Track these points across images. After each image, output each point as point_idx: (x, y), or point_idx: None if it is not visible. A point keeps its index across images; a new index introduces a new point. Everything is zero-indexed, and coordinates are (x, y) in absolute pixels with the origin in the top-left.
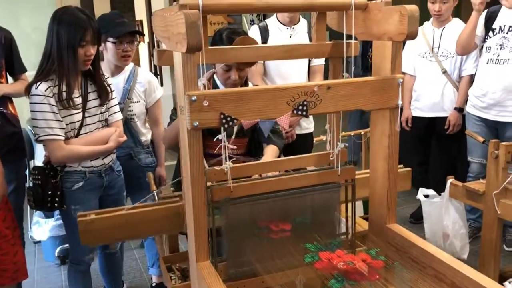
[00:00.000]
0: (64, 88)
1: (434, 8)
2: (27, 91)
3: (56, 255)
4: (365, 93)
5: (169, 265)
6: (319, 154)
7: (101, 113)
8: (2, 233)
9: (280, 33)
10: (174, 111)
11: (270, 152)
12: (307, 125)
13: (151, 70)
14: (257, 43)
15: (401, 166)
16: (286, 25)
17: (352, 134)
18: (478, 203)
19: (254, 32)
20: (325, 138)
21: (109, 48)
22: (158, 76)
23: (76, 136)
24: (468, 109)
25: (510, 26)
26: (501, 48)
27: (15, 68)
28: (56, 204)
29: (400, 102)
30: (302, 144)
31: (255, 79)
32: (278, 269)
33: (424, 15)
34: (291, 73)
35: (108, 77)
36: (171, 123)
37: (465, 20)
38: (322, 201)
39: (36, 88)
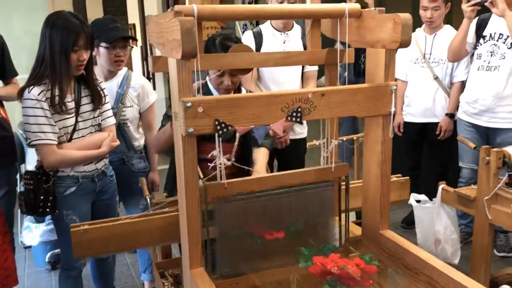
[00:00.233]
0: (56, 92)
1: (426, 15)
2: (20, 95)
3: (47, 260)
4: (359, 100)
5: (162, 271)
6: (319, 169)
7: (94, 117)
8: None
9: (274, 39)
10: (165, 116)
11: (261, 157)
12: (301, 130)
13: (143, 74)
14: (252, 51)
15: (399, 175)
16: (280, 31)
17: (345, 139)
18: (470, 208)
19: (248, 38)
20: (318, 143)
21: (101, 53)
22: (151, 80)
23: (69, 140)
24: (459, 115)
25: (500, 34)
26: (491, 55)
27: (7, 71)
28: (48, 209)
29: (393, 109)
30: (296, 149)
31: (249, 84)
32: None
33: (416, 22)
34: (285, 79)
35: (101, 82)
36: (161, 128)
37: (456, 27)
38: (316, 199)
39: (29, 92)
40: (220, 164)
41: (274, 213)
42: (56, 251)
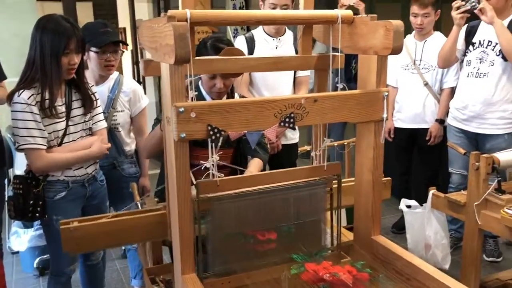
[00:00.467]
0: (47, 96)
1: (416, 22)
2: (9, 99)
3: (35, 266)
4: (351, 106)
5: (153, 277)
6: (312, 167)
7: (85, 121)
8: None
9: (267, 44)
10: (156, 120)
11: (255, 166)
12: (293, 136)
13: (134, 78)
14: (243, 54)
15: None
16: (272, 36)
17: (336, 144)
18: (460, 214)
19: (240, 43)
20: (309, 148)
21: (92, 58)
22: (141, 84)
23: (59, 144)
24: (449, 121)
25: (489, 41)
26: (480, 62)
27: None
28: (37, 214)
29: (385, 115)
30: (288, 154)
31: (241, 89)
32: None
33: (406, 29)
34: (277, 84)
35: (92, 86)
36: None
37: (446, 33)
38: (309, 197)
39: (19, 96)
40: (213, 162)
41: (267, 211)
42: (44, 256)
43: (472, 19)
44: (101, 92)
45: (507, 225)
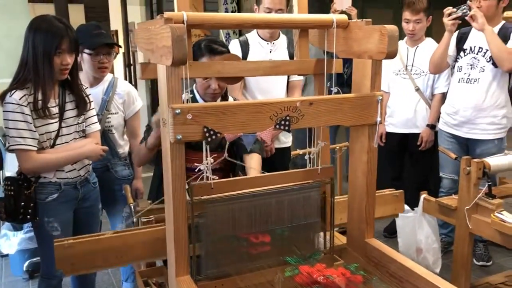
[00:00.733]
0: (39, 96)
1: (408, 28)
2: (1, 99)
3: (25, 269)
4: (346, 109)
5: (146, 280)
6: (306, 170)
7: (78, 123)
8: None
9: (261, 48)
10: (148, 127)
11: (255, 161)
12: (286, 139)
13: (125, 80)
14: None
15: (393, 189)
16: (266, 40)
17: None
18: (451, 218)
19: (234, 46)
20: (302, 152)
21: (85, 60)
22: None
23: (52, 146)
24: (440, 126)
25: (480, 47)
26: (471, 68)
27: None
28: (28, 216)
29: (379, 119)
30: (281, 157)
31: (235, 93)
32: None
33: (398, 34)
34: (271, 88)
35: (87, 88)
36: (143, 141)
37: (437, 39)
38: (302, 200)
39: (11, 96)
40: (207, 164)
41: (260, 214)
42: (34, 259)
43: (463, 25)
44: (95, 94)
45: (497, 229)
